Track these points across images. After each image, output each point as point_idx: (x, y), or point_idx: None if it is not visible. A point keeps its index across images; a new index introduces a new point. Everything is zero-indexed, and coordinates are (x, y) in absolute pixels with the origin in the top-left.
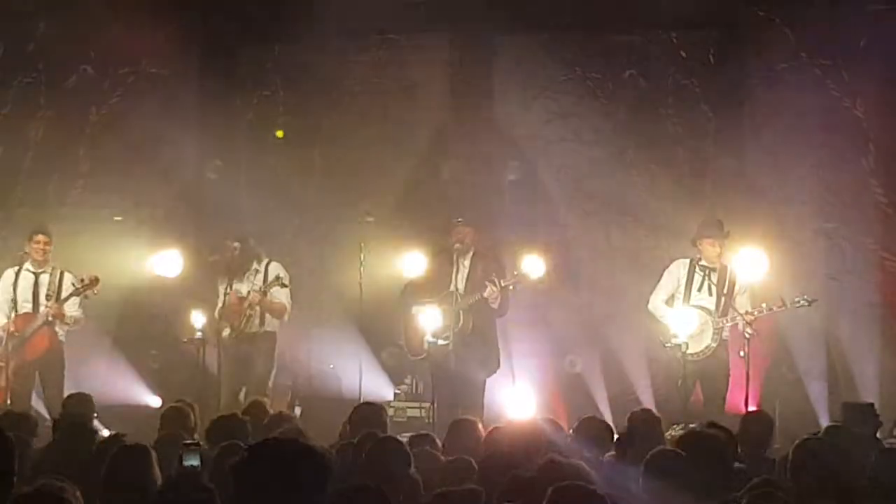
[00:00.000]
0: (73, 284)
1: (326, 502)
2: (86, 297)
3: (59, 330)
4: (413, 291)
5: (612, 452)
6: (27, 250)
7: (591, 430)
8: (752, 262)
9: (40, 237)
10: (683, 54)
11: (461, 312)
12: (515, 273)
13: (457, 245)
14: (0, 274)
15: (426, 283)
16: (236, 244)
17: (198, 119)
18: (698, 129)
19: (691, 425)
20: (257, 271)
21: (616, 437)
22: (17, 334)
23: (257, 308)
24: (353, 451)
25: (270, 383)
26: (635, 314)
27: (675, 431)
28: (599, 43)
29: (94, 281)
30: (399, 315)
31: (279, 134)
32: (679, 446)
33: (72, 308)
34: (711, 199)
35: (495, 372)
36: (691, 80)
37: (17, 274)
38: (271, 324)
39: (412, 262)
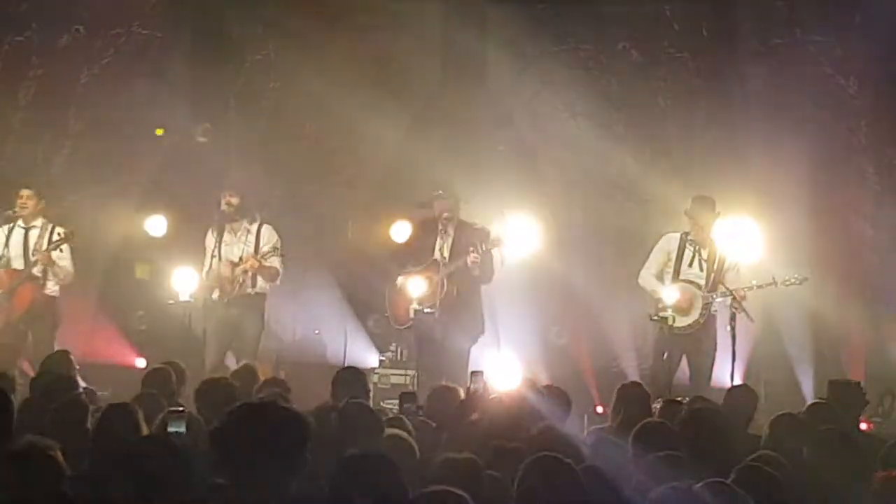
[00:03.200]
0: (49, 240)
1: (306, 464)
2: (61, 250)
3: (51, 284)
4: (398, 261)
5: (601, 425)
6: (16, 207)
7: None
8: (742, 238)
9: (23, 192)
10: (677, 27)
11: (445, 280)
12: (494, 238)
13: (445, 214)
14: None
15: (410, 252)
16: (235, 199)
17: (189, 82)
18: (690, 102)
19: (677, 399)
20: (248, 231)
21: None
22: (0, 291)
23: (250, 273)
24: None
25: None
26: (622, 287)
27: (660, 405)
28: (592, 14)
29: (71, 234)
30: (385, 283)
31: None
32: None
33: (62, 260)
34: (701, 174)
35: (480, 336)
36: (684, 54)
37: (10, 230)
38: (261, 286)
39: (399, 230)
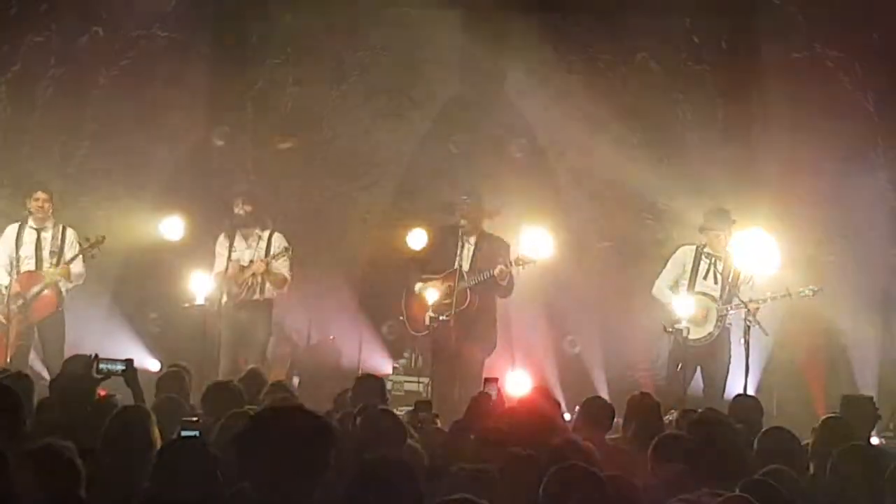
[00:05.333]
0: (79, 243)
1: (329, 469)
2: (92, 256)
3: (62, 287)
4: (416, 267)
5: (615, 435)
6: (29, 207)
7: (595, 410)
8: (759, 251)
9: (40, 194)
10: (696, 40)
11: (467, 290)
12: (521, 257)
13: (462, 222)
14: (1, 231)
15: (430, 259)
16: (248, 206)
17: (207, 85)
18: (708, 115)
19: (692, 409)
20: (259, 238)
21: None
22: (21, 294)
23: (259, 277)
24: (353, 421)
25: (269, 351)
26: (637, 297)
27: (672, 416)
28: (612, 24)
29: (100, 240)
30: (401, 289)
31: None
32: (687, 430)
33: (76, 265)
34: (718, 187)
35: (493, 350)
36: (703, 66)
37: (20, 230)
38: (269, 292)
39: (416, 237)
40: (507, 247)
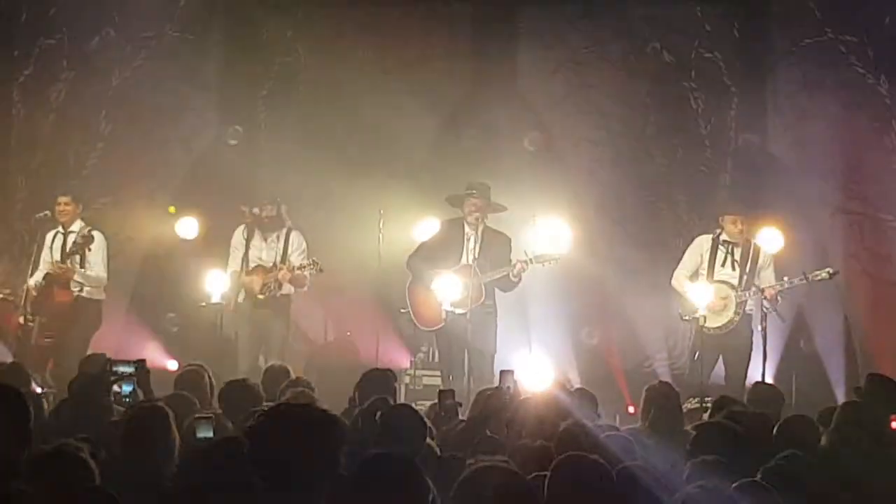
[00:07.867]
0: (76, 241)
1: (339, 466)
2: (89, 249)
3: (86, 287)
4: (422, 259)
5: (632, 425)
6: (55, 213)
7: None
8: (770, 239)
9: (60, 199)
10: (708, 28)
11: (483, 286)
12: (542, 254)
13: (469, 217)
14: (44, 236)
15: (434, 252)
16: (272, 206)
17: (219, 84)
18: (721, 103)
19: (707, 398)
20: (278, 237)
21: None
22: (33, 293)
23: (281, 282)
24: (364, 416)
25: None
26: (653, 287)
27: (690, 405)
28: (623, 15)
29: (87, 239)
30: (407, 282)
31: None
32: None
33: (95, 267)
34: (732, 175)
35: (495, 349)
36: (714, 54)
37: (55, 236)
38: (287, 288)
39: (430, 230)
40: (510, 241)
